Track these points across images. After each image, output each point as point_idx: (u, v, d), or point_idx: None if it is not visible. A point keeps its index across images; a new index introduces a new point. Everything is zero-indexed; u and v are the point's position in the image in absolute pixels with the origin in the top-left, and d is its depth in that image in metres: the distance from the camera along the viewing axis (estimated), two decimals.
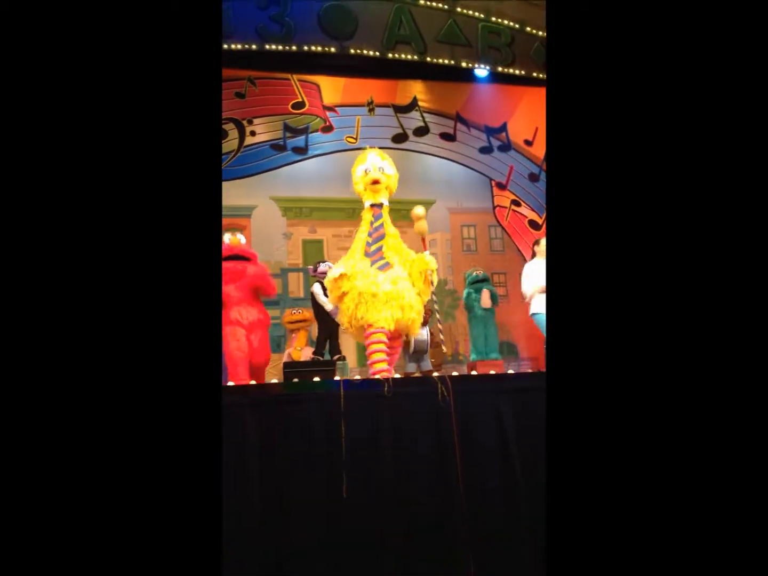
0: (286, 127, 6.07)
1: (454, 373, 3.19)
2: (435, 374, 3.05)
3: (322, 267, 4.43)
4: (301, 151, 6.08)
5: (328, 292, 3.59)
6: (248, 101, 5.99)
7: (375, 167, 3.54)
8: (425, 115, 6.52)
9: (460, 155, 6.52)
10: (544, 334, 3.73)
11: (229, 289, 3.50)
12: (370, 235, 3.50)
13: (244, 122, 5.97)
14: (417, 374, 3.61)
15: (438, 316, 3.70)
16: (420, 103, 6.50)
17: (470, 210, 6.62)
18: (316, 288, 4.31)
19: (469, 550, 2.63)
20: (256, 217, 5.88)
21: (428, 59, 6.38)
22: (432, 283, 3.48)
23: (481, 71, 6.61)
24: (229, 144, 5.89)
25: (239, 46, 5.81)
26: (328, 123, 6.22)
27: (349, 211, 5.91)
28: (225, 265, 3.52)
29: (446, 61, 6.44)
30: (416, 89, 6.54)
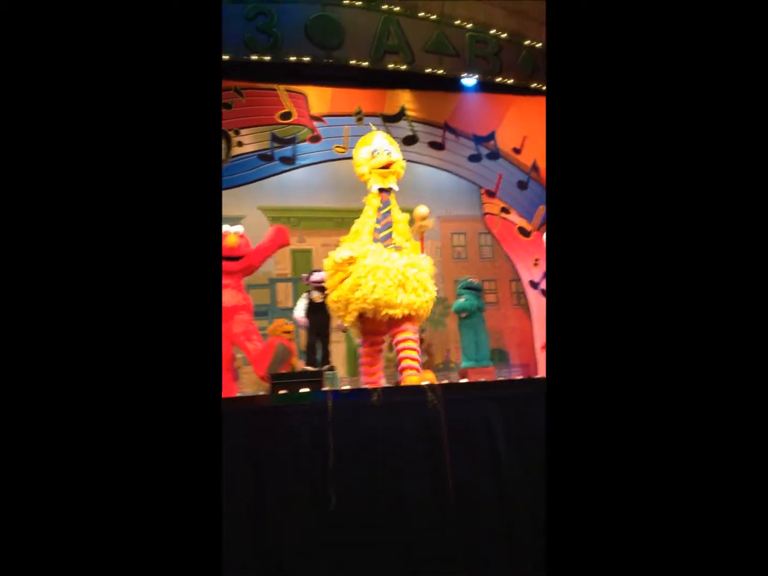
0: (274, 138, 6.06)
1: (444, 381, 3.16)
2: (424, 382, 3.01)
3: (316, 276, 4.40)
4: (289, 161, 6.06)
5: (326, 277, 3.51)
6: (235, 112, 5.97)
7: (383, 150, 3.41)
8: (414, 124, 6.52)
9: (449, 164, 6.52)
10: None
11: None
12: (378, 222, 3.36)
13: (231, 133, 5.95)
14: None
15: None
16: (408, 113, 6.51)
17: (460, 218, 6.63)
18: (300, 299, 4.29)
19: (462, 558, 2.60)
20: (243, 228, 5.83)
21: (416, 69, 6.40)
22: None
23: (469, 80, 6.64)
24: None
25: (226, 57, 5.80)
26: (315, 133, 6.21)
27: (337, 220, 5.89)
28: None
29: (434, 71, 6.46)
30: (404, 99, 6.55)
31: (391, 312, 3.21)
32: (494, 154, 6.72)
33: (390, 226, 3.34)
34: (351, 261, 3.23)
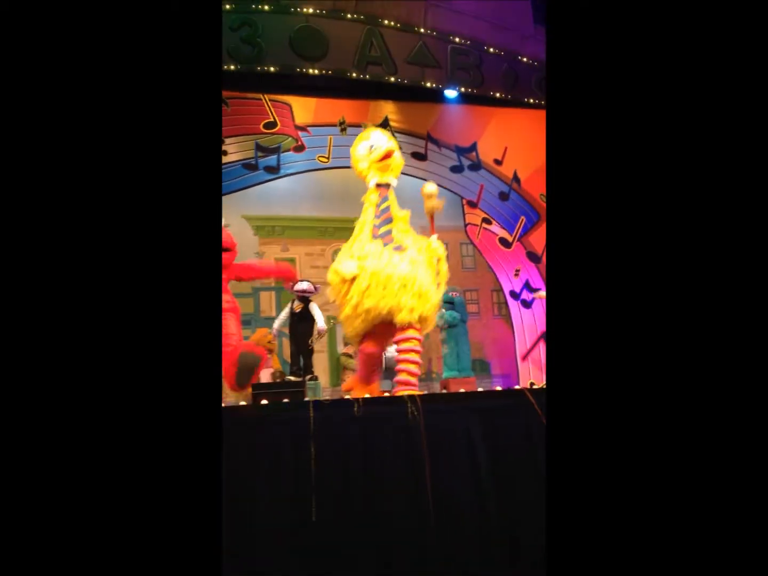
0: (258, 147, 6.09)
1: (425, 392, 3.19)
2: (404, 393, 3.04)
3: (300, 285, 4.40)
4: (273, 171, 6.09)
5: (331, 290, 3.40)
6: None
7: (380, 145, 3.32)
8: (396, 134, 6.59)
9: (432, 174, 6.60)
10: None
11: None
12: (377, 217, 3.29)
13: None
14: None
15: None
16: (391, 123, 6.58)
17: (442, 228, 6.57)
18: (283, 313, 4.29)
19: (440, 565, 2.62)
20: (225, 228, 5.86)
21: (399, 80, 6.48)
22: (438, 272, 3.30)
23: (451, 92, 6.73)
24: None
25: None
26: (300, 143, 6.25)
27: (321, 229, 5.93)
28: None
29: (417, 82, 6.54)
30: (387, 109, 6.62)
31: (397, 319, 3.15)
32: (476, 165, 6.81)
33: (389, 222, 3.26)
34: (355, 278, 3.16)
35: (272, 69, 6.00)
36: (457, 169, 6.75)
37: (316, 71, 6.13)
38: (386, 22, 6.41)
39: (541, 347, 6.54)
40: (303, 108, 6.32)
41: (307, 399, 3.04)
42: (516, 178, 6.83)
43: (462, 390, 3.27)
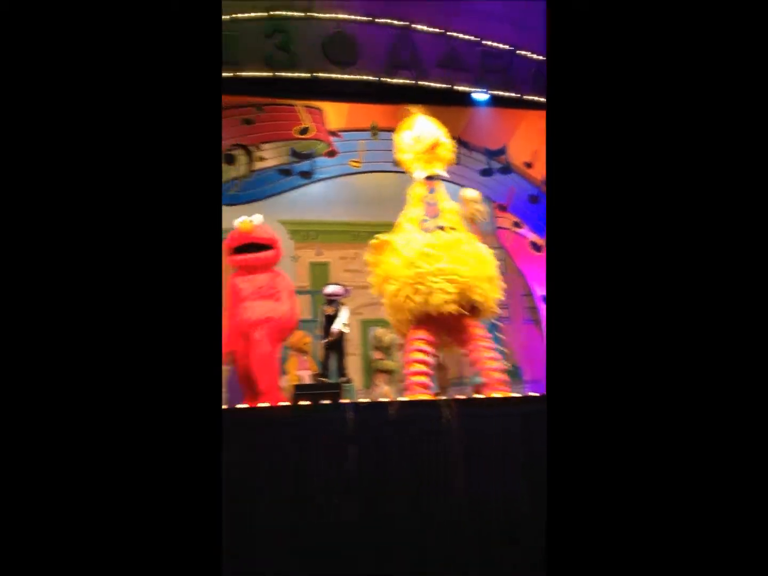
0: (293, 152, 6.21)
1: (459, 397, 3.25)
2: (441, 397, 3.11)
3: (327, 289, 4.50)
4: (307, 176, 6.22)
5: (370, 278, 3.31)
6: (256, 127, 6.14)
7: (426, 133, 3.12)
8: None
9: (462, 177, 6.64)
10: None
11: (243, 284, 3.34)
12: (425, 213, 3.13)
13: (252, 148, 6.11)
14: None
15: None
16: None
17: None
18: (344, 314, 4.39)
19: (473, 564, 2.70)
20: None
21: (429, 84, 6.52)
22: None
23: (481, 95, 6.75)
24: (238, 170, 6.04)
25: (246, 73, 5.97)
26: (332, 148, 6.35)
27: (354, 233, 6.03)
28: (240, 258, 3.38)
29: (446, 86, 6.58)
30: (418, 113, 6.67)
31: (444, 309, 2.97)
32: (506, 168, 6.83)
33: (437, 216, 3.12)
34: (388, 244, 3.01)
35: (305, 75, 6.11)
36: (487, 172, 6.78)
37: (348, 76, 6.22)
38: (416, 26, 6.46)
39: None
40: (335, 113, 6.42)
41: (344, 401, 3.11)
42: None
43: (496, 395, 3.33)
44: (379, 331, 4.62)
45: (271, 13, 6.04)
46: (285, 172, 6.16)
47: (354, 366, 4.94)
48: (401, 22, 6.41)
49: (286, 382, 4.41)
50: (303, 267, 6.04)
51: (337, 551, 2.60)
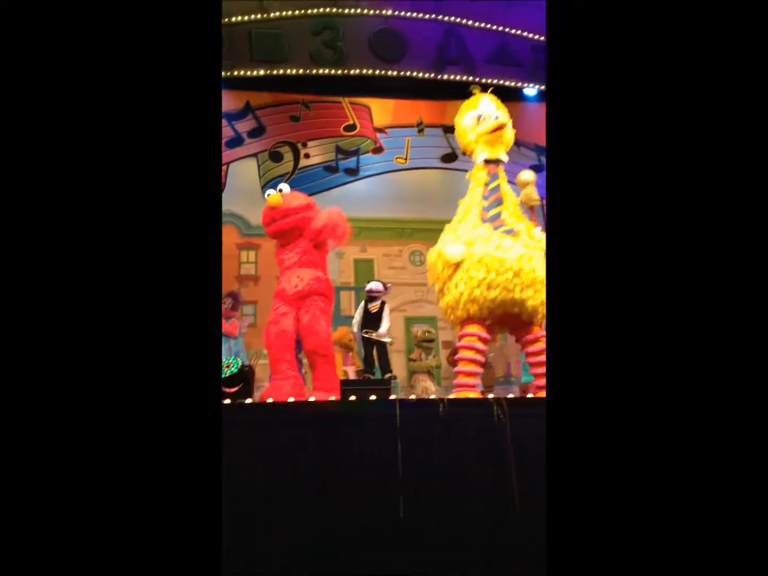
0: (339, 149, 6.23)
1: (510, 395, 3.17)
2: (490, 396, 3.04)
3: (370, 285, 4.48)
4: (353, 173, 6.22)
5: (430, 274, 3.17)
6: (303, 124, 6.18)
7: (489, 114, 3.07)
8: None
9: (511, 174, 6.54)
10: None
11: (284, 255, 3.29)
12: (485, 198, 3.03)
13: (299, 145, 6.15)
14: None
15: None
16: None
17: None
18: (360, 307, 4.37)
19: (525, 568, 2.61)
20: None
21: (478, 79, 6.43)
22: None
23: (531, 90, 6.62)
24: (285, 167, 6.08)
25: (294, 71, 6.01)
26: (378, 144, 6.34)
27: (398, 230, 6.00)
28: (271, 228, 3.33)
29: (496, 81, 6.48)
30: None
31: (512, 311, 2.90)
32: None
33: (500, 203, 3.02)
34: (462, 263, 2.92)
35: (352, 72, 6.11)
36: (537, 168, 6.65)
37: (395, 73, 6.19)
38: (466, 21, 6.38)
39: None
40: (381, 110, 6.41)
41: (393, 397, 3.08)
42: None
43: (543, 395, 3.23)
44: (417, 329, 4.57)
45: (319, 10, 6.07)
46: (330, 169, 6.18)
47: (398, 363, 4.91)
48: (450, 18, 6.34)
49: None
50: (347, 263, 6.04)
51: (380, 547, 2.56)
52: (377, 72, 6.17)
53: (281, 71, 5.97)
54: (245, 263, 5.74)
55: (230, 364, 3.31)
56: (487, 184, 3.07)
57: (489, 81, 6.42)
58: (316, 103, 6.26)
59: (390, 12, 6.18)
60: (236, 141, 6.07)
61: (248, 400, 3.07)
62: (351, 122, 6.29)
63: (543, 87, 6.57)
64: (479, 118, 3.12)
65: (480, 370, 3.21)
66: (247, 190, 5.84)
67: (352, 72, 6.12)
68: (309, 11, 6.03)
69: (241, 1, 5.76)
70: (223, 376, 3.24)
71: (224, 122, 6.03)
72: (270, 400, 3.03)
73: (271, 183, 5.80)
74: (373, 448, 2.70)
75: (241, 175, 5.96)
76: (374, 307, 4.40)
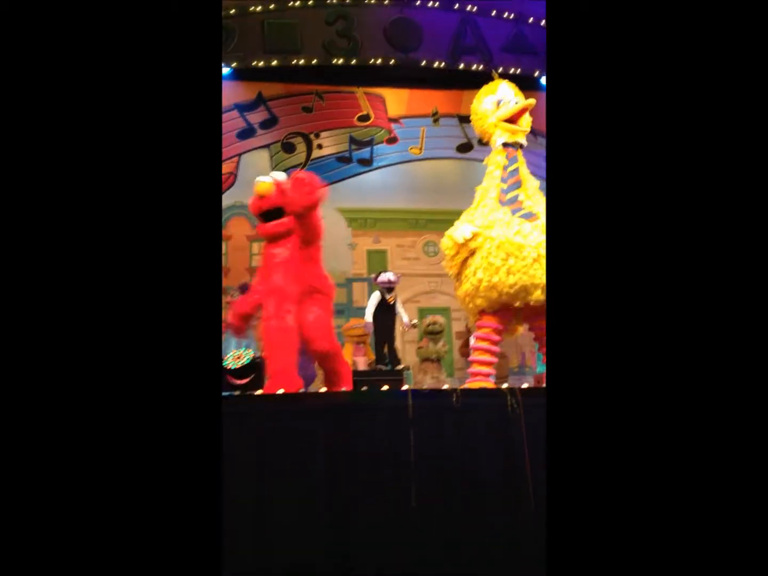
0: (352, 140, 6.18)
1: (525, 386, 3.12)
2: (504, 386, 2.99)
3: (383, 276, 4.46)
4: (366, 163, 6.18)
5: (446, 261, 3.10)
6: (315, 115, 6.14)
7: (509, 100, 3.07)
8: None
9: (528, 163, 6.45)
10: None
11: (277, 252, 2.98)
12: (504, 181, 3.00)
13: (312, 136, 6.12)
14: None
15: None
16: None
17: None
18: (373, 298, 4.34)
19: (539, 563, 2.57)
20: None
21: (494, 68, 6.35)
22: None
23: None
24: (297, 158, 6.05)
25: (307, 62, 5.97)
26: (392, 134, 6.28)
27: (412, 221, 5.95)
28: (259, 228, 3.06)
29: (512, 70, 6.38)
30: None
31: (532, 298, 2.83)
32: None
33: (518, 186, 2.98)
34: (475, 237, 2.86)
35: (367, 62, 6.05)
36: None
37: (411, 62, 6.12)
38: (481, 10, 6.29)
39: None
40: (396, 100, 6.36)
41: (405, 387, 3.05)
42: None
43: None
44: (429, 318, 4.54)
45: (333, 0, 6.02)
46: (344, 159, 6.14)
47: (411, 353, 4.87)
48: (466, 7, 6.26)
49: None
50: (360, 254, 6.00)
51: (391, 541, 2.52)
52: (392, 62, 6.11)
53: (294, 62, 5.93)
54: (256, 255, 5.72)
55: (242, 355, 3.29)
56: (505, 168, 3.04)
57: (504, 71, 6.35)
58: (329, 93, 6.21)
59: (405, 1, 6.12)
60: (248, 132, 6.05)
61: (259, 392, 3.04)
62: (365, 112, 6.24)
63: None
64: (499, 103, 3.09)
65: (495, 360, 3.18)
66: None
67: (366, 62, 6.06)
68: (323, 1, 5.99)
69: None
70: (234, 367, 3.22)
71: (236, 113, 6.00)
72: (281, 391, 3.00)
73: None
74: (384, 440, 2.66)
75: (252, 166, 5.93)
76: (392, 298, 4.39)
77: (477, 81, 6.39)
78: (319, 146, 6.13)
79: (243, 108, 6.05)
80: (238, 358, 3.29)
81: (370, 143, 6.20)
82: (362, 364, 4.44)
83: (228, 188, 5.79)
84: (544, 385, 3.29)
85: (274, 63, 5.89)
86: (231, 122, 5.94)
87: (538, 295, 2.88)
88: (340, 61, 6.01)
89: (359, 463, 2.64)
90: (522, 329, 3.34)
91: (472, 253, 2.94)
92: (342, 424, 2.70)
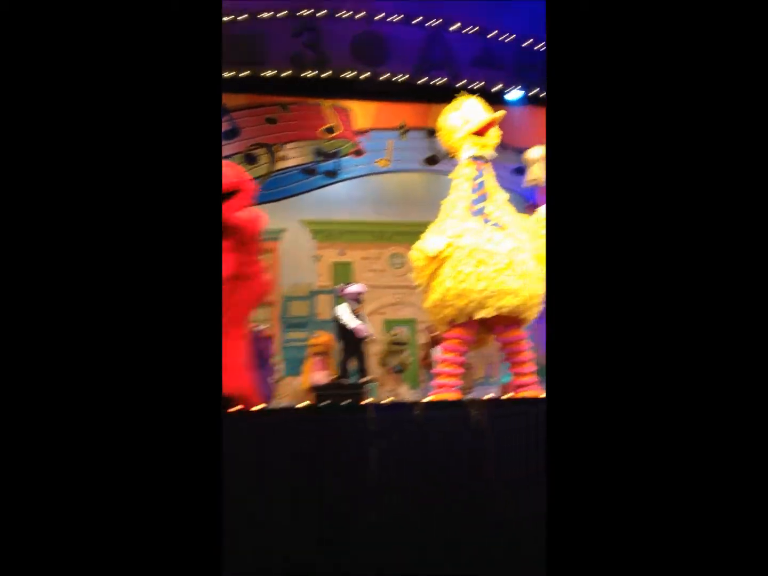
0: (318, 152, 6.11)
1: (488, 396, 3.07)
2: (468, 397, 2.94)
3: (353, 288, 4.40)
4: (332, 175, 6.10)
5: (414, 273, 3.10)
6: (280, 126, 6.06)
7: (475, 116, 3.09)
8: None
9: (497, 176, 6.48)
10: None
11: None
12: (473, 192, 3.02)
13: (275, 147, 6.03)
14: None
15: None
16: None
17: None
18: (340, 309, 4.27)
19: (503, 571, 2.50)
20: (284, 240, 5.91)
21: (461, 83, 6.37)
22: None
23: (515, 93, 6.57)
24: (259, 169, 5.95)
25: (272, 73, 5.90)
26: (359, 147, 6.24)
27: (378, 233, 5.89)
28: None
29: (479, 85, 6.41)
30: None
31: (501, 305, 2.81)
32: None
33: (485, 198, 3.00)
34: (447, 248, 2.86)
35: (333, 74, 6.01)
36: (520, 171, 6.59)
37: (377, 76, 6.11)
38: (450, 25, 6.33)
39: None
40: (363, 112, 6.32)
41: (366, 401, 2.97)
42: None
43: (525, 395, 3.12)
44: (393, 330, 4.50)
45: (300, 12, 5.98)
46: (309, 171, 6.06)
47: (376, 367, 4.79)
48: (434, 21, 6.29)
49: (299, 385, 4.30)
50: (325, 266, 5.92)
51: (355, 551, 2.45)
52: (358, 75, 6.08)
53: (258, 73, 5.86)
54: None
55: None
56: (474, 179, 3.06)
57: (473, 84, 6.38)
58: (294, 105, 6.14)
59: (372, 16, 6.12)
60: None
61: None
62: (331, 124, 6.19)
63: (527, 91, 6.53)
64: (465, 118, 3.13)
65: (461, 371, 3.13)
66: None
67: (332, 75, 6.02)
68: (289, 12, 5.94)
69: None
70: None
71: None
72: (239, 407, 2.88)
73: None
74: (345, 453, 2.59)
75: None
76: (359, 309, 4.34)
77: (445, 95, 6.48)
78: (283, 158, 6.04)
79: None
80: None
81: (336, 155, 6.14)
82: (323, 378, 4.33)
83: None
84: (509, 395, 3.28)
85: (239, 74, 5.81)
86: None
87: (508, 302, 2.86)
88: (307, 73, 5.96)
89: (322, 478, 2.54)
90: (492, 339, 3.32)
91: (442, 263, 2.91)
92: (303, 439, 2.60)
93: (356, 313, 4.35)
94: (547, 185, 1.56)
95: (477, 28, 6.37)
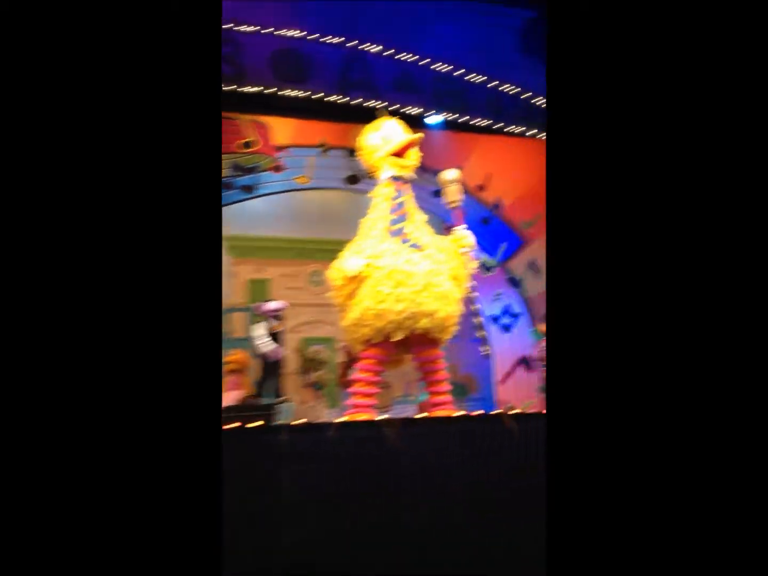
0: (235, 166, 5.97)
1: (403, 415, 3.06)
2: (383, 416, 2.91)
3: (271, 305, 4.30)
4: (249, 190, 5.97)
5: (332, 292, 3.09)
6: None
7: (394, 137, 3.10)
8: None
9: (416, 198, 6.56)
10: None
11: None
12: (392, 212, 3.04)
13: None
14: None
15: None
16: None
17: None
18: (256, 329, 4.17)
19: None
20: None
21: (381, 104, 6.45)
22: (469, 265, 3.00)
23: (435, 118, 6.71)
24: None
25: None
26: (278, 163, 6.15)
27: (298, 250, 5.80)
28: None
29: (399, 107, 6.51)
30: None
31: (418, 326, 2.83)
32: None
33: (404, 219, 3.02)
34: (366, 268, 2.86)
35: (252, 89, 5.91)
36: (438, 193, 6.71)
37: (298, 93, 6.07)
38: (370, 47, 6.40)
39: (519, 371, 6.47)
40: (283, 129, 6.25)
41: (278, 423, 2.89)
42: (498, 204, 6.81)
43: (441, 413, 3.12)
44: (311, 349, 4.44)
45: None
46: (225, 185, 5.89)
47: (294, 385, 4.68)
48: (354, 43, 6.34)
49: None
50: (241, 284, 5.75)
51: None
52: (278, 91, 6.01)
53: None
54: None
55: None
56: (393, 199, 3.08)
57: (392, 107, 6.47)
58: None
59: (295, 33, 6.09)
60: None
61: None
62: (249, 139, 6.07)
63: (446, 116, 6.68)
64: (385, 138, 3.16)
65: (377, 390, 3.10)
66: None
67: (251, 90, 5.92)
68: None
69: None
70: None
71: None
72: None
73: None
74: (257, 475, 2.51)
75: None
76: (277, 326, 4.25)
77: (365, 115, 6.53)
78: None
79: None
80: None
81: (253, 170, 6.03)
82: (233, 398, 4.17)
83: None
84: (427, 413, 3.28)
85: None
86: None
87: (425, 323, 2.88)
88: (224, 87, 5.83)
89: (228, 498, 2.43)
90: (409, 359, 3.32)
91: (360, 283, 2.90)
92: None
93: (274, 331, 4.24)
94: (547, 188, 1.57)
95: (397, 51, 6.48)
